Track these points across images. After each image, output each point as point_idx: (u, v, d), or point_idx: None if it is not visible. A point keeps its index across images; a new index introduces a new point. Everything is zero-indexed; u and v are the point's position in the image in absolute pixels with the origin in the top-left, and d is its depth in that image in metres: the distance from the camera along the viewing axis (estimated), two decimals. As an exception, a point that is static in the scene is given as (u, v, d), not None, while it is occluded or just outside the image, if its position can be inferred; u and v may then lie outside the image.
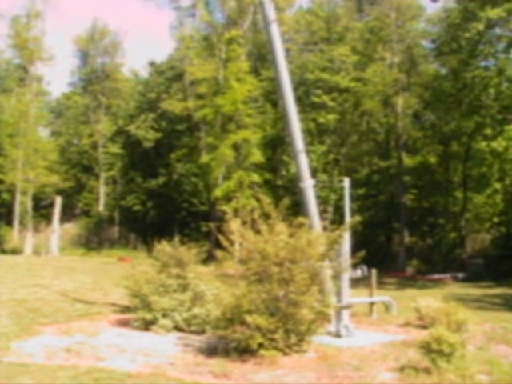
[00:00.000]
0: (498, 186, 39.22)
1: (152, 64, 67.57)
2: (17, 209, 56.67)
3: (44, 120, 67.07)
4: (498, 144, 34.69)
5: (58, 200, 50.19)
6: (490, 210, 43.62)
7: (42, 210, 62.92)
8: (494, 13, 32.52)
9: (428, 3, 41.93)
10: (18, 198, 56.56)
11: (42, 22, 60.80)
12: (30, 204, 57.58)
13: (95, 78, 70.75)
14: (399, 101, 46.93)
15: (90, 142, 67.84)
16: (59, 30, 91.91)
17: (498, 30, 36.06)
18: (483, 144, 36.52)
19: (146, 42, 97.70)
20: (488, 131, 37.30)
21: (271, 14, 13.92)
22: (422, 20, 50.52)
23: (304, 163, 15.10)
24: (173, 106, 55.57)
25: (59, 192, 56.92)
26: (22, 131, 56.97)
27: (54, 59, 63.29)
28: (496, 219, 42.72)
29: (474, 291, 28.58)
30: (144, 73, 71.32)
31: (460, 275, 37.71)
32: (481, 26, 33.53)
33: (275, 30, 13.91)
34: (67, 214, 64.47)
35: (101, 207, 66.17)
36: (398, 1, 47.43)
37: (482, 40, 36.11)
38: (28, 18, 60.60)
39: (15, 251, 49.95)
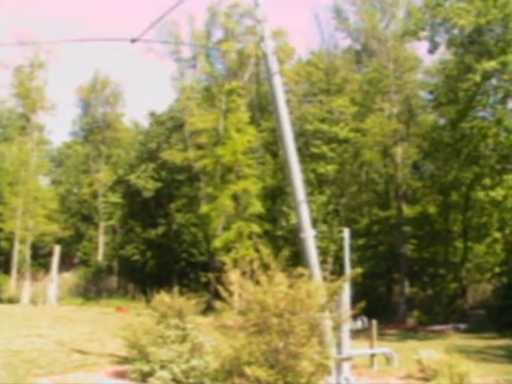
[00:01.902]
0: (498, 235, 39.10)
1: (152, 114, 68.21)
2: (15, 257, 56.42)
3: (44, 169, 67.41)
4: (497, 193, 34.71)
5: (57, 249, 49.99)
6: (490, 259, 43.40)
7: (40, 259, 62.64)
8: (489, 65, 32.93)
9: (425, 55, 42.68)
10: (17, 246, 56.39)
11: (45, 72, 61.72)
12: (28, 253, 57.39)
13: (96, 128, 71.41)
14: (398, 151, 47.16)
15: (90, 191, 68.05)
16: (61, 80, 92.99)
17: (494, 81, 36.49)
18: (482, 194, 36.55)
19: (147, 92, 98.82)
20: (487, 181, 37.37)
21: (274, 66, 14.09)
22: (419, 71, 51.22)
23: (305, 213, 15.09)
24: (173, 156, 55.94)
25: (58, 241, 56.77)
26: (22, 179, 57.20)
27: (56, 108, 64.01)
28: (497, 269, 42.49)
29: (476, 343, 28.23)
30: (144, 123, 72.02)
31: (462, 326, 37.28)
32: (477, 78, 33.90)
33: (278, 82, 14.06)
34: (66, 263, 64.13)
35: (100, 257, 65.93)
36: (396, 53, 48.12)
37: (479, 91, 36.44)
38: (31, 68, 61.46)
39: (12, 300, 49.47)
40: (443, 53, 42.48)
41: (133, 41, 10.19)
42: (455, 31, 36.90)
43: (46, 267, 55.25)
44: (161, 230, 60.24)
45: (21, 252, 56.87)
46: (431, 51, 38.88)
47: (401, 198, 47.34)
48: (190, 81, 58.98)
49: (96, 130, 71.19)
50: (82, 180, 70.06)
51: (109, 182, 66.79)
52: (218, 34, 57.51)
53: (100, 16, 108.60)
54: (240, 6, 53.54)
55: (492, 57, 33.59)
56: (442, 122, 46.94)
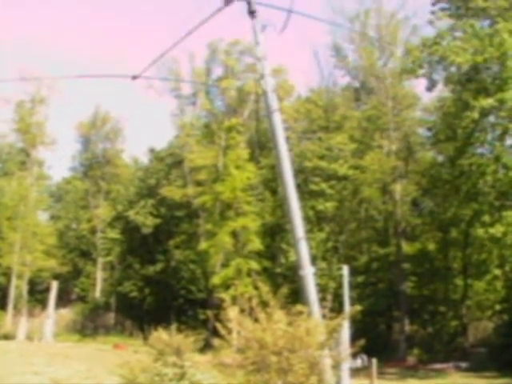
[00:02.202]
0: (498, 272, 38.90)
1: (152, 150, 68.44)
2: (12, 293, 56.01)
3: (43, 204, 67.39)
4: (497, 230, 34.64)
5: (54, 285, 49.66)
6: (491, 297, 43.13)
7: (37, 295, 62.17)
8: (486, 102, 33.18)
9: (423, 92, 43.10)
10: (14, 281, 56.04)
11: (46, 108, 62.09)
12: (25, 288, 57.02)
13: (96, 164, 71.57)
14: (397, 188, 47.22)
15: (89, 227, 67.90)
16: (61, 114, 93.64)
17: (492, 119, 36.72)
18: (482, 230, 36.47)
19: (147, 128, 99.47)
20: (486, 218, 37.33)
21: (274, 103, 14.15)
22: (418, 109, 51.64)
23: (304, 250, 15.01)
24: (172, 192, 56.02)
25: (56, 276, 56.40)
26: (21, 214, 57.14)
27: (56, 144, 64.21)
28: (498, 307, 42.19)
29: (477, 382, 27.92)
30: (144, 159, 72.27)
31: (463, 365, 36.87)
32: (475, 115, 34.10)
33: (278, 119, 14.11)
34: (63, 300, 63.67)
35: (97, 293, 65.50)
36: (395, 90, 48.52)
37: (478, 128, 36.63)
38: (33, 103, 61.83)
39: (8, 336, 48.93)
40: (441, 90, 42.87)
41: (134, 77, 10.26)
42: (453, 69, 37.32)
43: (43, 303, 54.83)
44: (159, 266, 59.98)
45: (18, 287, 56.52)
46: (429, 89, 39.26)
47: (400, 234, 47.24)
48: (189, 117, 59.35)
49: (96, 166, 71.34)
50: (80, 215, 69.96)
51: (108, 217, 66.69)
52: (217, 72, 58.12)
53: (101, 52, 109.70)
54: (240, 44, 54.13)
55: (489, 94, 33.87)
56: (440, 158, 47.07)
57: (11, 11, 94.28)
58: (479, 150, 39.33)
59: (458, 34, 37.10)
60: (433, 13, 38.93)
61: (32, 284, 59.93)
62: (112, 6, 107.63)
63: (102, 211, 67.05)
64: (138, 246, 63.64)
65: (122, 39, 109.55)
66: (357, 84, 57.19)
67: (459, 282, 46.63)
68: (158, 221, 60.51)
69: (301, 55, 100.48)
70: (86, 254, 68.75)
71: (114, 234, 65.80)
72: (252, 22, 9.13)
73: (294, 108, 55.39)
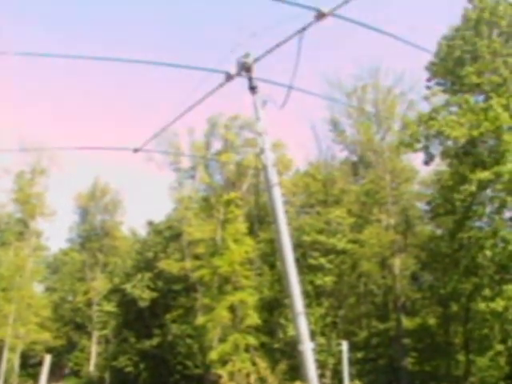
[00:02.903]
0: (500, 347, 38.23)
1: (150, 223, 68.46)
2: (3, 366, 54.75)
3: (40, 275, 66.93)
4: (498, 304, 34.29)
5: (48, 359, 48.34)
6: (494, 373, 42.30)
7: (29, 369, 60.99)
8: (483, 175, 33.44)
9: (421, 166, 43.63)
10: (6, 354, 54.90)
11: (46, 179, 62.44)
12: (17, 362, 55.97)
13: (94, 235, 71.48)
14: (396, 262, 47.04)
15: (85, 300, 67.22)
16: (60, 185, 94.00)
17: (489, 192, 36.90)
18: (483, 305, 36.10)
19: (145, 199, 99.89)
20: (487, 292, 37.02)
21: (274, 177, 14.22)
22: (415, 182, 52.05)
23: (303, 325, 14.75)
24: (170, 265, 55.75)
25: (49, 350, 55.28)
26: (16, 285, 56.58)
27: (55, 215, 64.26)
28: (502, 383, 41.31)
29: None
30: (142, 231, 72.15)
31: None
32: (472, 188, 34.34)
33: (277, 193, 14.13)
34: (56, 374, 62.31)
35: (91, 367, 64.23)
36: (392, 164, 48.96)
37: (475, 201, 36.79)
38: (33, 174, 62.20)
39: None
40: (438, 164, 43.24)
41: (135, 151, 10.29)
42: (449, 143, 37.81)
43: (35, 378, 53.50)
44: (155, 340, 59.07)
45: (9, 361, 55.41)
46: (427, 162, 39.65)
47: (400, 309, 46.76)
48: (188, 191, 59.62)
49: (93, 238, 71.22)
50: (77, 288, 69.35)
51: (104, 290, 66.11)
52: (217, 145, 58.68)
53: (101, 123, 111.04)
54: (239, 119, 54.97)
55: (486, 167, 34.18)
56: (439, 232, 47.09)
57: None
58: (478, 224, 39.37)
59: (454, 108, 37.77)
60: (428, 87, 39.75)
61: (24, 357, 58.87)
62: (112, 77, 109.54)
63: (99, 284, 66.52)
64: (134, 319, 62.81)
65: (123, 111, 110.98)
66: (355, 158, 57.66)
67: (461, 357, 45.80)
68: (154, 294, 59.94)
69: (299, 129, 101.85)
70: (80, 327, 67.83)
71: (110, 307, 65.08)
72: (253, 97, 9.21)
73: (292, 182, 55.70)
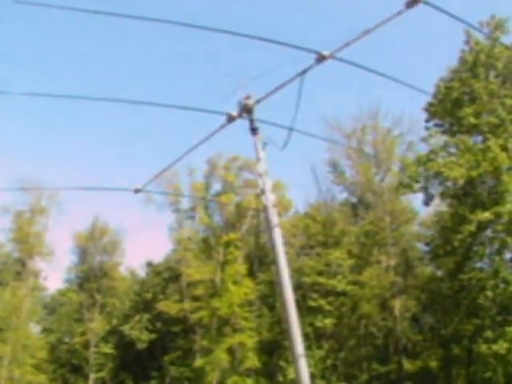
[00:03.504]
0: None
1: (149, 264, 68.16)
2: (-2, 410, 54.08)
3: (37, 316, 66.29)
4: (500, 346, 33.90)
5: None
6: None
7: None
8: (483, 216, 33.43)
9: (421, 207, 43.82)
10: (1, 397, 54.17)
11: (45, 218, 62.24)
12: (12, 405, 55.06)
13: (92, 276, 70.91)
14: (397, 304, 46.72)
15: (82, 341, 66.36)
16: (58, 224, 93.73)
17: (489, 232, 36.81)
18: (485, 347, 35.69)
19: (144, 238, 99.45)
20: (489, 333, 36.65)
21: (275, 218, 14.19)
22: (415, 223, 51.95)
23: (304, 368, 14.53)
24: (169, 307, 55.35)
25: (44, 393, 54.70)
26: (12, 326, 55.90)
27: (54, 255, 63.87)
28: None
29: None
30: (141, 272, 71.78)
31: None
32: (472, 228, 34.29)
33: (278, 235, 14.08)
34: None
35: (87, 412, 63.26)
36: (392, 205, 48.99)
37: (476, 242, 36.71)
38: (32, 213, 62.02)
39: None
40: (438, 204, 43.25)
41: (136, 191, 10.31)
42: (448, 183, 37.86)
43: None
44: (153, 383, 58.32)
45: (4, 404, 54.50)
46: (426, 203, 39.69)
47: (401, 351, 46.29)
48: (187, 231, 59.50)
49: (92, 278, 70.66)
50: (74, 329, 68.54)
51: (102, 331, 65.40)
52: (216, 186, 58.79)
53: (100, 163, 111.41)
54: (239, 160, 55.14)
55: (486, 208, 34.18)
56: (439, 273, 46.80)
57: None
58: (478, 265, 39.22)
59: (452, 149, 37.92)
60: (427, 128, 39.96)
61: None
62: (112, 117, 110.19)
63: (96, 325, 65.82)
64: (132, 361, 62.10)
65: (123, 151, 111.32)
66: (354, 199, 57.72)
67: (464, 402, 45.19)
68: (153, 336, 59.42)
69: (298, 170, 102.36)
70: (77, 369, 66.82)
71: (108, 348, 64.35)
72: (254, 139, 9.24)
73: (292, 223, 55.60)
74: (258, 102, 8.98)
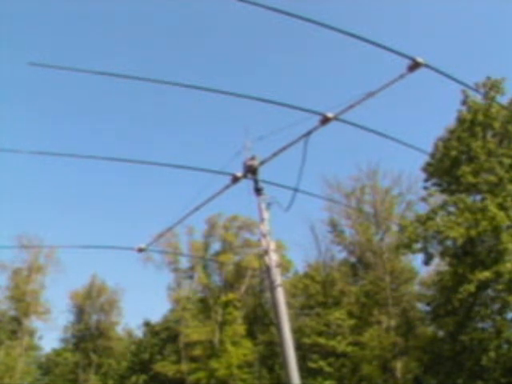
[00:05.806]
0: None
1: (147, 324, 67.39)
2: None
3: (31, 376, 65.08)
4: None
5: None
6: None
7: None
8: (483, 275, 33.25)
9: (421, 266, 43.74)
10: None
11: (42, 277, 61.78)
12: None
13: (88, 335, 70.03)
14: (398, 365, 46.05)
15: (77, 402, 65.16)
16: (55, 281, 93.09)
17: (490, 292, 36.55)
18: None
19: (142, 297, 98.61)
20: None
21: (278, 278, 14.15)
22: (415, 283, 51.66)
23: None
24: (166, 368, 54.53)
25: None
26: (4, 388, 54.85)
27: (50, 313, 63.19)
28: None
29: None
30: (138, 332, 70.87)
31: None
32: (472, 288, 34.04)
33: (280, 294, 14.02)
34: None
35: None
36: (392, 265, 48.81)
37: (477, 301, 36.39)
38: (29, 271, 61.61)
39: None
40: (438, 264, 43.08)
41: (140, 250, 10.36)
42: (448, 243, 37.74)
43: None
44: None
45: None
46: (426, 263, 39.46)
47: (404, 416, 45.39)
48: (186, 291, 59.07)
49: (88, 338, 69.75)
50: (68, 390, 67.32)
51: (97, 393, 64.24)
52: (216, 246, 58.65)
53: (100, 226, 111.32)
54: (238, 219, 55.16)
55: (486, 267, 34.04)
56: (441, 334, 46.26)
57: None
58: (480, 325, 38.82)
59: (451, 208, 37.96)
60: (426, 188, 40.11)
61: None
62: (114, 177, 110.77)
63: (92, 386, 64.70)
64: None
65: (124, 211, 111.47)
66: (354, 259, 57.48)
67: None
68: (149, 398, 58.26)
69: (298, 230, 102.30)
70: None
71: (103, 410, 63.12)
72: (258, 199, 9.30)
73: (291, 283, 55.26)
74: (262, 162, 9.07)
